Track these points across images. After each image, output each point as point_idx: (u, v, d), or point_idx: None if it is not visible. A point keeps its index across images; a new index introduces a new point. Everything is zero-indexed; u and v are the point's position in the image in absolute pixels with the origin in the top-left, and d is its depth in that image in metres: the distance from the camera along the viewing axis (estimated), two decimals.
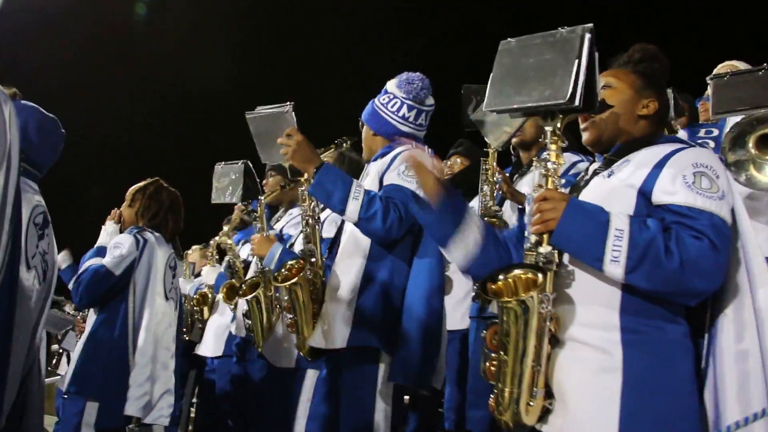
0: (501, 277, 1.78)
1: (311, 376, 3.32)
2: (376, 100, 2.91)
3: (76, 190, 9.21)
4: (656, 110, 1.96)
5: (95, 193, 8.91)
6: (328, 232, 3.14)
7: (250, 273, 3.87)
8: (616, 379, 1.68)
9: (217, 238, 4.89)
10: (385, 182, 2.71)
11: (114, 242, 3.41)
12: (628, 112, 1.94)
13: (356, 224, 2.59)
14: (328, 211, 3.16)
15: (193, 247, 5.89)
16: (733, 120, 2.88)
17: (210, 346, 4.39)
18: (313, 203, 2.85)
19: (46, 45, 9.07)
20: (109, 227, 3.73)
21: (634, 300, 1.71)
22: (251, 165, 3.78)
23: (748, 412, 1.67)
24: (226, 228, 4.90)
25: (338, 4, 10.11)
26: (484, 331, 1.80)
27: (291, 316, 2.77)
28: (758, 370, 1.70)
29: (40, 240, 2.38)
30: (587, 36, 1.71)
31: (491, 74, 1.89)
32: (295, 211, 3.97)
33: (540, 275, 1.70)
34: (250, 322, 3.40)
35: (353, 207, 2.52)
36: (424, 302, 2.60)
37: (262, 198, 3.64)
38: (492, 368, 1.76)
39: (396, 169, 2.69)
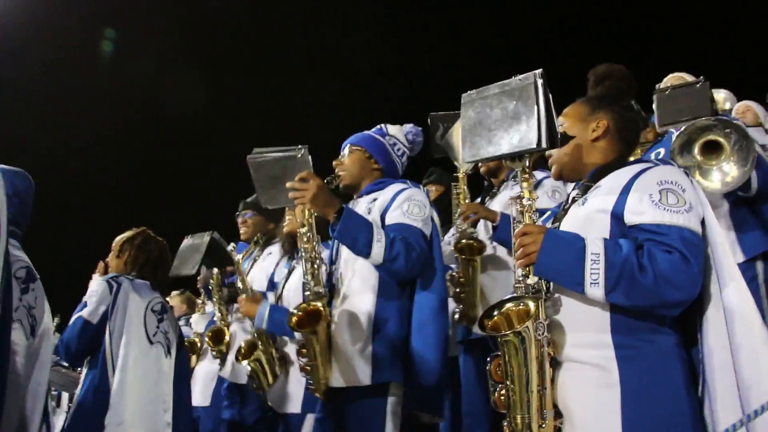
0: (495, 312, 1.91)
1: (311, 420, 3.36)
2: (379, 137, 3.05)
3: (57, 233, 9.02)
4: (606, 127, 2.11)
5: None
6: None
7: (238, 330, 3.95)
8: (615, 393, 1.80)
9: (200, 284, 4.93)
10: (390, 221, 2.80)
11: (89, 291, 3.38)
12: (584, 140, 2.10)
13: (379, 266, 2.66)
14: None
15: (172, 293, 5.85)
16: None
17: (198, 393, 4.33)
18: (316, 244, 2.85)
19: (9, 72, 9.00)
20: (95, 281, 3.62)
21: (623, 318, 1.84)
22: (219, 235, 3.79)
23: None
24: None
25: (311, 26, 10.24)
26: (489, 364, 1.92)
27: (306, 360, 2.80)
28: (725, 367, 1.80)
29: (24, 294, 2.39)
30: (539, 81, 1.87)
31: (461, 128, 2.05)
32: (275, 250, 4.05)
33: (531, 305, 1.83)
34: (255, 382, 3.45)
35: (378, 250, 2.59)
36: (435, 331, 2.71)
37: (240, 256, 3.72)
38: (501, 398, 1.88)
39: (399, 207, 2.80)
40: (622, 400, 1.79)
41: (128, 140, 9.86)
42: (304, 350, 2.80)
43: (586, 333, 1.88)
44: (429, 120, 3.67)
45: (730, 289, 1.85)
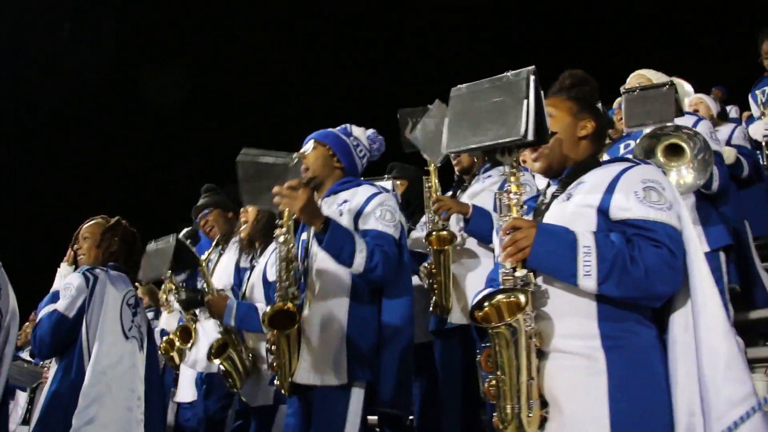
0: (486, 304, 1.93)
1: (283, 410, 3.41)
2: (343, 135, 3.11)
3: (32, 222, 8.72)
4: (594, 129, 2.17)
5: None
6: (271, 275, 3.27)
7: (209, 331, 3.91)
8: (602, 381, 1.86)
9: (164, 286, 4.87)
10: (363, 225, 2.87)
11: (64, 284, 3.28)
12: (570, 136, 2.15)
13: (359, 274, 2.75)
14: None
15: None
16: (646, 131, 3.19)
17: (188, 392, 4.40)
18: (292, 246, 2.89)
19: None
20: (63, 270, 3.60)
21: (609, 308, 1.90)
22: (182, 238, 3.76)
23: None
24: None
25: (296, 20, 10.13)
26: (479, 355, 1.94)
27: (274, 357, 2.85)
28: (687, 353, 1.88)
29: None
30: (532, 77, 1.89)
31: (446, 119, 2.05)
32: (235, 248, 4.09)
33: (522, 298, 1.86)
34: (229, 381, 3.49)
35: (359, 260, 2.70)
36: (402, 332, 2.81)
37: (204, 257, 3.68)
38: (491, 389, 1.91)
39: (372, 213, 2.88)
40: (609, 387, 1.84)
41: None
42: (273, 347, 2.85)
43: (573, 323, 1.93)
44: (398, 115, 3.71)
45: (699, 283, 1.91)
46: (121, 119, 10.09)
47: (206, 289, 3.55)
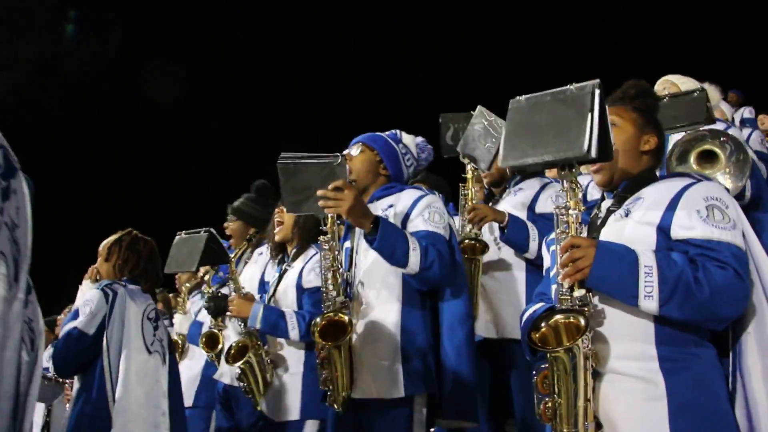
0: (543, 324, 1.88)
1: (310, 426, 3.29)
2: (392, 142, 3.02)
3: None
4: (656, 145, 2.11)
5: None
6: (314, 282, 3.19)
7: (232, 334, 3.83)
8: (662, 406, 1.80)
9: (187, 284, 4.81)
10: (412, 228, 2.78)
11: (84, 300, 3.21)
12: (633, 149, 2.08)
13: (415, 275, 2.64)
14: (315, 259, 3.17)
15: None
16: (674, 137, 3.13)
17: (187, 396, 4.21)
18: (338, 253, 2.77)
19: None
20: (85, 287, 3.53)
21: (667, 330, 1.84)
22: (215, 232, 3.66)
23: None
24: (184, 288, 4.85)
25: (291, 18, 10.05)
26: (535, 376, 1.89)
27: (326, 372, 2.71)
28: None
29: (24, 308, 2.28)
30: (597, 91, 1.82)
31: (504, 130, 1.98)
32: (265, 251, 3.96)
33: (582, 321, 1.81)
34: (244, 384, 3.37)
35: (414, 259, 2.58)
36: (466, 338, 2.73)
37: (233, 257, 3.61)
38: (547, 411, 1.86)
39: (420, 215, 2.80)
40: (670, 412, 1.79)
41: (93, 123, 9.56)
42: (324, 362, 2.71)
43: (630, 345, 1.88)
44: (440, 120, 3.64)
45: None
46: (122, 120, 9.99)
47: (233, 289, 3.48)
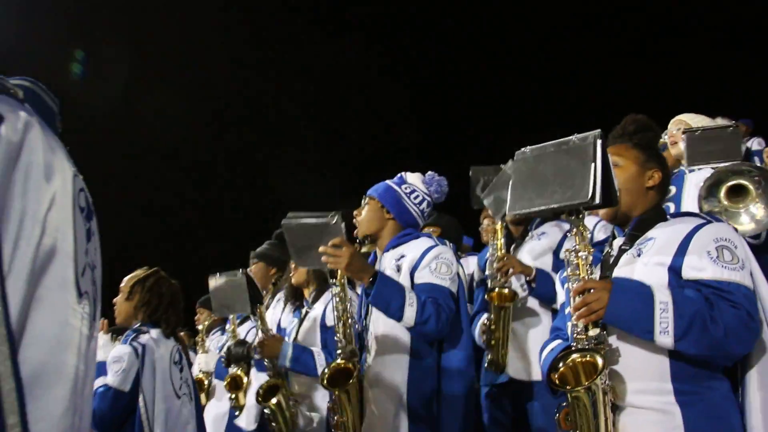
0: (561, 365, 1.96)
1: None
2: (395, 185, 3.12)
3: None
4: (661, 179, 2.18)
5: None
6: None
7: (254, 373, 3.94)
8: None
9: (206, 323, 4.92)
10: (418, 280, 2.89)
11: (112, 357, 3.22)
12: (637, 186, 2.15)
13: (411, 328, 2.75)
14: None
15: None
16: (697, 175, 3.19)
17: None
18: (348, 304, 2.92)
19: None
20: (100, 340, 3.46)
21: (682, 365, 1.90)
22: (251, 265, 3.78)
23: None
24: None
25: (287, 40, 10.27)
26: (557, 413, 1.97)
27: (338, 416, 2.85)
28: None
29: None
30: (599, 141, 1.94)
31: (511, 181, 2.10)
32: (283, 297, 4.11)
33: (599, 360, 1.88)
34: (274, 425, 3.47)
35: (410, 314, 2.69)
36: (464, 389, 2.83)
37: (264, 300, 3.72)
38: None
39: (427, 266, 2.89)
40: None
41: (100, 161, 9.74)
42: (335, 407, 2.86)
43: (647, 380, 1.94)
44: (470, 172, 3.76)
45: None
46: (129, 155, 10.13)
47: (261, 329, 3.58)
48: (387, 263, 3.03)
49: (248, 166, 10.40)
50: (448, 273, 2.87)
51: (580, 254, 2.01)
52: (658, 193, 2.19)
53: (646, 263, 2.01)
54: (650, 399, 1.92)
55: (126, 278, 3.49)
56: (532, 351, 3.33)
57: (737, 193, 3.03)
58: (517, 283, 3.44)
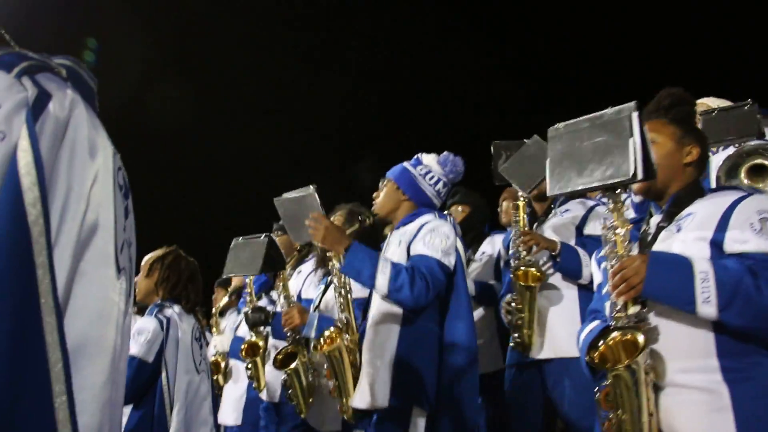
0: (600, 343, 1.93)
1: None
2: (410, 167, 3.17)
3: None
4: (699, 155, 2.12)
5: None
6: (358, 291, 3.31)
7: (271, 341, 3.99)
8: (728, 417, 1.79)
9: (221, 303, 4.92)
10: (412, 252, 2.93)
11: (137, 328, 3.24)
12: (675, 163, 2.10)
13: (386, 296, 2.80)
14: None
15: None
16: (719, 156, 3.13)
17: (230, 414, 4.43)
18: (343, 276, 3.05)
19: None
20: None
21: (728, 340, 1.84)
22: (275, 238, 3.76)
23: None
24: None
25: (300, 34, 10.17)
26: (597, 393, 1.93)
27: (333, 381, 2.99)
28: None
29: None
30: (635, 114, 1.89)
31: (548, 160, 2.05)
32: (305, 268, 4.18)
33: (641, 338, 1.85)
34: (290, 392, 3.52)
35: (381, 281, 2.76)
36: (464, 363, 2.81)
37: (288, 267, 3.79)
38: (612, 428, 1.90)
39: (422, 239, 2.93)
40: (737, 424, 1.78)
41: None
42: (329, 373, 3.03)
43: (691, 358, 1.88)
44: (492, 147, 3.71)
45: None
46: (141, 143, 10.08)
47: (285, 300, 3.64)
48: (393, 240, 3.10)
49: (260, 155, 10.32)
50: (441, 245, 2.90)
51: (617, 231, 1.98)
52: (696, 168, 2.13)
53: (686, 239, 1.96)
54: (695, 377, 1.86)
55: (146, 257, 3.53)
56: (556, 328, 3.28)
57: (757, 172, 2.99)
58: (541, 261, 3.39)
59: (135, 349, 3.16)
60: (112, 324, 1.07)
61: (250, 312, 3.94)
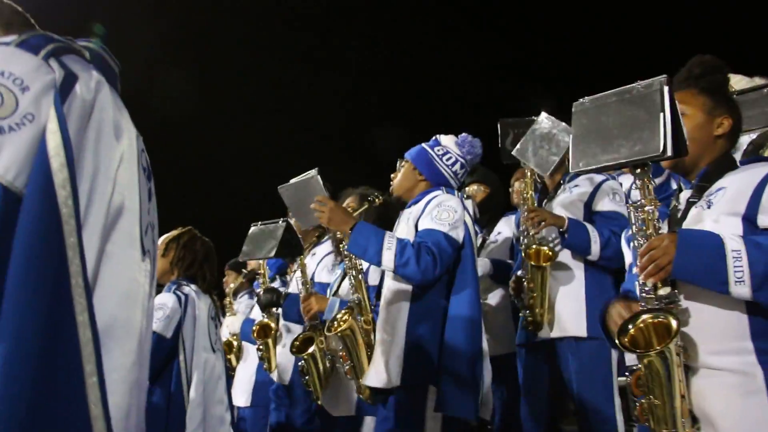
0: (630, 326, 1.86)
1: (369, 423, 3.39)
2: (428, 147, 3.16)
3: None
4: (731, 126, 2.03)
5: None
6: (374, 279, 3.33)
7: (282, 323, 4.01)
8: (763, 399, 1.74)
9: (232, 285, 4.92)
10: (420, 227, 2.92)
11: (156, 304, 3.16)
12: (705, 135, 2.01)
13: (393, 272, 2.79)
14: None
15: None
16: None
17: (241, 395, 4.44)
18: (354, 257, 3.07)
19: None
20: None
21: (763, 321, 1.77)
22: (292, 223, 3.76)
23: None
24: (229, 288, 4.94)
25: (307, 24, 10.06)
26: (628, 378, 1.88)
27: (348, 363, 3.01)
28: None
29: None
30: (665, 88, 1.80)
31: (572, 135, 1.97)
32: (319, 251, 4.16)
33: (673, 322, 1.77)
34: (307, 378, 3.51)
35: (388, 257, 2.75)
36: (465, 335, 2.77)
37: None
38: (643, 413, 1.84)
39: (429, 213, 2.92)
40: None
41: None
42: (344, 355, 3.03)
43: (724, 340, 1.82)
44: (499, 125, 3.63)
45: None
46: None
47: (303, 286, 3.65)
48: (403, 218, 3.09)
49: (268, 140, 10.25)
50: (448, 219, 2.88)
51: (647, 209, 1.90)
52: (728, 140, 2.04)
53: (717, 215, 1.88)
54: (728, 360, 1.80)
55: (161, 238, 3.51)
56: (560, 307, 3.25)
57: None
58: (550, 237, 3.34)
59: (153, 324, 3.09)
60: (138, 305, 1.09)
61: (261, 294, 3.96)
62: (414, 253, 2.73)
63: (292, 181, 3.12)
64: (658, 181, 2.97)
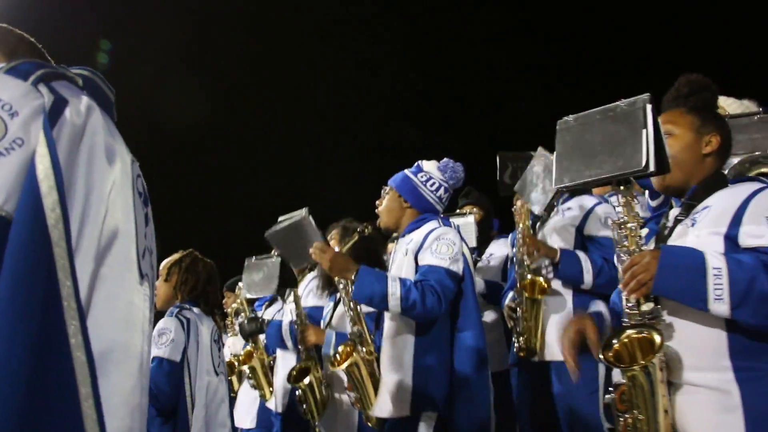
0: (615, 341, 1.87)
1: None
2: (411, 174, 3.18)
3: None
4: (720, 144, 2.04)
5: None
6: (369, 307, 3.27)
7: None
8: (738, 417, 1.74)
9: (234, 305, 4.92)
10: (420, 261, 2.94)
11: (158, 330, 3.20)
12: (693, 155, 2.03)
13: (401, 314, 2.81)
14: None
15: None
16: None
17: (246, 416, 4.42)
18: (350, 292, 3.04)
19: None
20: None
21: (741, 339, 1.78)
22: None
23: None
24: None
25: (314, 34, 10.10)
26: (612, 394, 1.88)
27: (354, 394, 3.03)
28: None
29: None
30: (648, 106, 1.84)
31: (555, 152, 2.00)
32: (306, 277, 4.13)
33: (657, 337, 1.78)
34: (305, 407, 3.52)
35: (393, 302, 2.76)
36: (472, 365, 2.84)
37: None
38: (627, 428, 1.84)
39: (429, 247, 2.94)
40: (746, 424, 1.73)
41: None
42: (350, 386, 3.05)
43: (703, 356, 1.83)
44: (498, 158, 3.68)
45: None
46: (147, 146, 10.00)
47: (297, 318, 3.70)
48: (400, 248, 3.11)
49: (276, 161, 10.27)
50: (448, 252, 2.90)
51: (629, 225, 1.92)
52: (717, 158, 2.05)
53: (700, 233, 1.90)
54: (706, 376, 1.81)
55: (163, 262, 3.53)
56: (553, 332, 3.24)
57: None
58: (542, 266, 3.35)
59: (159, 350, 3.11)
60: (138, 329, 1.09)
61: (246, 322, 4.00)
62: (419, 295, 2.76)
63: (280, 224, 3.10)
64: (656, 202, 2.98)
